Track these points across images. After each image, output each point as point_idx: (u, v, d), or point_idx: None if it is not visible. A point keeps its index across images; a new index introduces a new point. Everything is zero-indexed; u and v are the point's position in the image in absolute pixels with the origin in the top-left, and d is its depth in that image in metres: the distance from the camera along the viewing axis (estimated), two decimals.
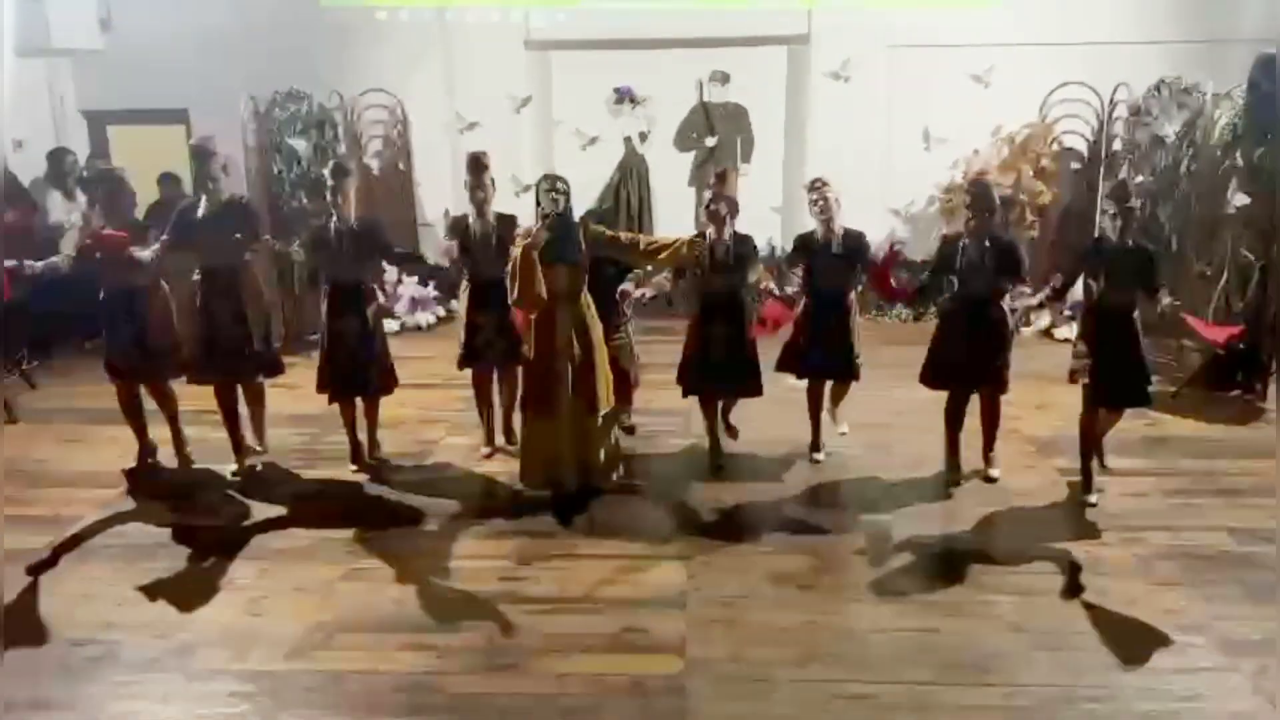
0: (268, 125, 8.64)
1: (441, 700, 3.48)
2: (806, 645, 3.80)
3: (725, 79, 9.34)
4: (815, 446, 5.62)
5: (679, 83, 9.37)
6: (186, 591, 4.25)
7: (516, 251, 4.74)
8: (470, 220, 5.37)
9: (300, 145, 8.67)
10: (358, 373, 5.35)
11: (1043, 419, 6.02)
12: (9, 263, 5.23)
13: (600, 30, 9.14)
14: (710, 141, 9.43)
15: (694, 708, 3.43)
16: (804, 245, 5.36)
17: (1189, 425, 6.15)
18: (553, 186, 4.87)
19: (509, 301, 4.89)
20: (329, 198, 5.30)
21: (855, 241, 5.30)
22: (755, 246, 5.34)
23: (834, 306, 5.32)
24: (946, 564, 4.44)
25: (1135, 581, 4.26)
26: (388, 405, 5.72)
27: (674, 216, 9.52)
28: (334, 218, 5.29)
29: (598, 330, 5.04)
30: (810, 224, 5.40)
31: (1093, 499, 5.01)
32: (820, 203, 5.24)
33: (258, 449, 5.65)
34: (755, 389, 5.34)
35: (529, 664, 3.69)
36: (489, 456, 5.69)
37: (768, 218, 9.56)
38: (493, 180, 5.37)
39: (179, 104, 9.12)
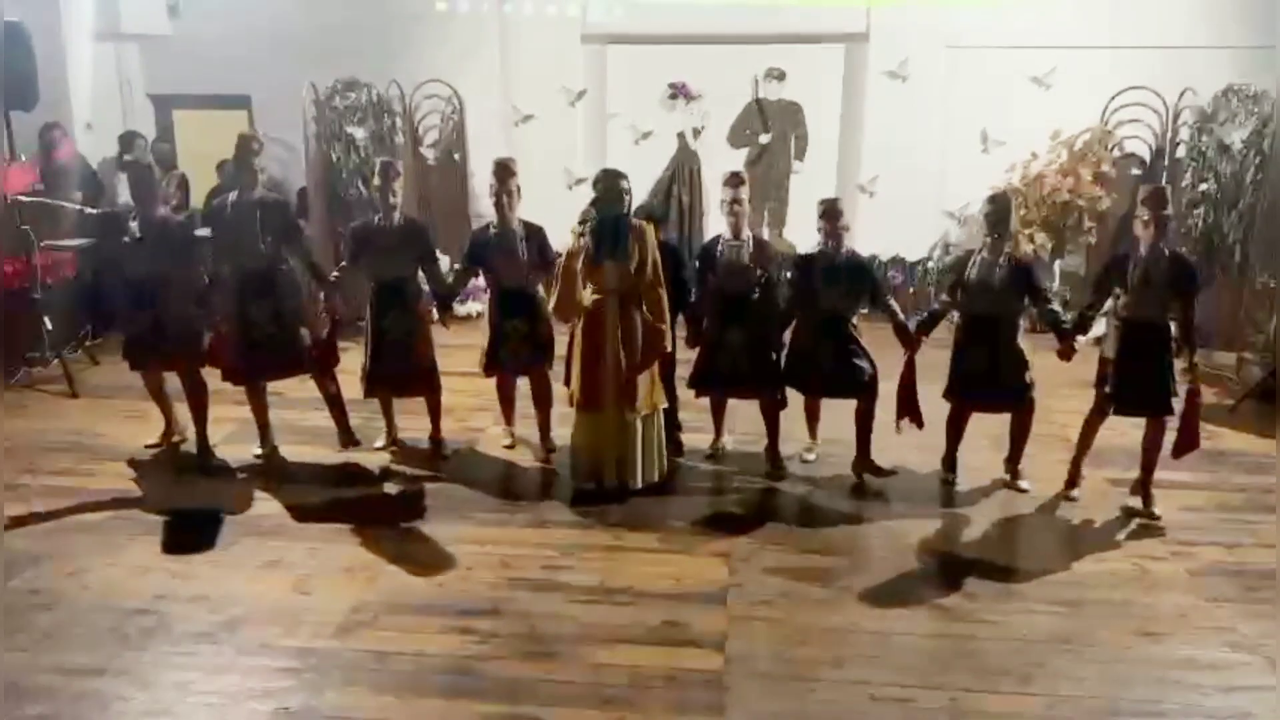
0: (328, 114, 8.78)
1: (482, 683, 3.54)
2: (847, 647, 3.79)
3: (781, 76, 9.29)
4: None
5: (734, 79, 9.34)
6: (239, 568, 4.36)
7: (564, 254, 4.78)
8: (492, 229, 5.37)
9: (359, 134, 8.81)
10: (399, 373, 5.41)
11: None
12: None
13: (657, 25, 9.16)
14: (764, 139, 9.40)
15: (733, 703, 3.44)
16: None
17: (1246, 440, 6.02)
18: (613, 184, 4.81)
19: (549, 308, 4.95)
20: (377, 195, 5.36)
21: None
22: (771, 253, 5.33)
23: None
24: (990, 572, 4.40)
25: (1186, 596, 4.19)
26: None
27: None
28: (379, 215, 5.36)
29: (650, 323, 4.91)
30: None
31: (1075, 494, 5.11)
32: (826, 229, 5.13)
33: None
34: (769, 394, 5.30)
35: (569, 652, 3.73)
36: (510, 447, 5.73)
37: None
38: (518, 188, 5.34)
39: (242, 90, 9.32)
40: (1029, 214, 8.68)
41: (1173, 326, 4.81)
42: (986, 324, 4.97)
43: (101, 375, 7.16)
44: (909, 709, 3.43)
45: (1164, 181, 8.56)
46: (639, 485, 5.05)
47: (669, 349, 5.04)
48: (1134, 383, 4.77)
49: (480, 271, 5.56)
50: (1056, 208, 8.56)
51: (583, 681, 3.56)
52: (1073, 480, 5.14)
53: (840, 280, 5.09)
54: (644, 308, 4.88)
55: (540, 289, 5.46)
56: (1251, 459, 5.71)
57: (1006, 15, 8.69)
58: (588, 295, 4.85)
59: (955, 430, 5.26)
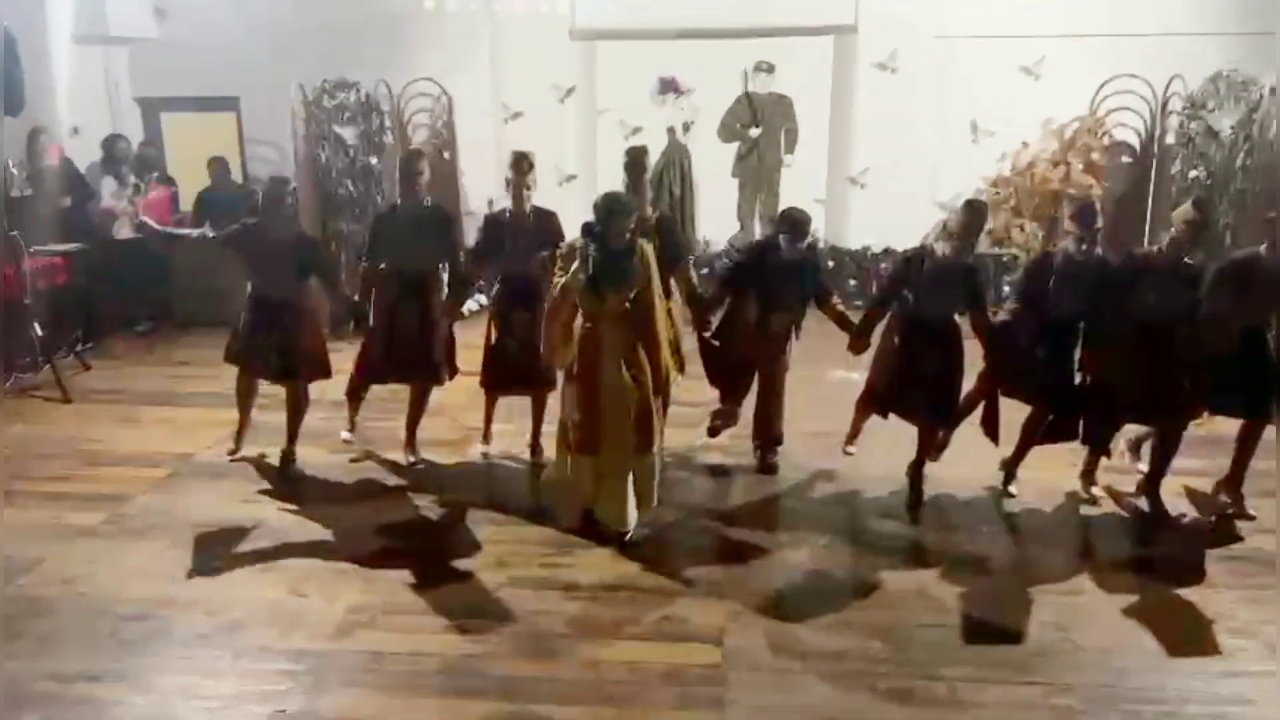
0: (316, 114, 8.76)
1: (482, 682, 3.53)
2: (846, 639, 3.79)
3: (771, 69, 9.28)
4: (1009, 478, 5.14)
5: (724, 73, 9.33)
6: (236, 571, 4.34)
7: (554, 290, 4.30)
8: (507, 215, 5.29)
9: (348, 134, 8.78)
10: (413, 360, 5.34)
11: None
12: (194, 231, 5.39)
13: (645, 20, 9.14)
14: (754, 132, 9.38)
15: (732, 697, 3.44)
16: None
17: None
18: (613, 210, 4.26)
19: (541, 352, 4.56)
20: (400, 185, 5.29)
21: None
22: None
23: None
24: (987, 562, 4.41)
25: (1185, 584, 4.20)
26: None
27: (716, 207, 9.51)
28: (398, 204, 5.32)
29: (654, 352, 4.46)
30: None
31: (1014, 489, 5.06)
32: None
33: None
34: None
35: (569, 649, 3.72)
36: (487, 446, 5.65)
37: (811, 209, 9.49)
38: (535, 180, 5.27)
39: (230, 92, 9.28)
40: (1020, 204, 8.69)
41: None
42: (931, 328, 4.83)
43: (93, 380, 7.13)
44: (910, 699, 3.43)
45: (1154, 168, 8.62)
46: (636, 531, 4.58)
47: (673, 380, 4.65)
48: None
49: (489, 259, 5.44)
50: (1047, 197, 8.57)
51: (582, 679, 3.55)
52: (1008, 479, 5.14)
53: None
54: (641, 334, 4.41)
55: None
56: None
57: (995, 5, 8.69)
58: (578, 325, 4.37)
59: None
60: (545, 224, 5.26)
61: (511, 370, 5.28)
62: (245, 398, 5.52)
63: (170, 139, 9.66)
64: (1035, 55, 8.79)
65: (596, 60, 9.57)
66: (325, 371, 5.38)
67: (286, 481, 5.30)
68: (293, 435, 5.43)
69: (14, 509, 4.88)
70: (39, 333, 6.78)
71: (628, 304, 4.31)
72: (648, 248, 4.43)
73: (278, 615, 3.97)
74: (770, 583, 4.21)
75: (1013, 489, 5.07)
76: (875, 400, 5.07)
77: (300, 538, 4.64)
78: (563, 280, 4.29)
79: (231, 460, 5.51)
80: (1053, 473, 5.15)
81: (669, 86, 9.43)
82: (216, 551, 4.52)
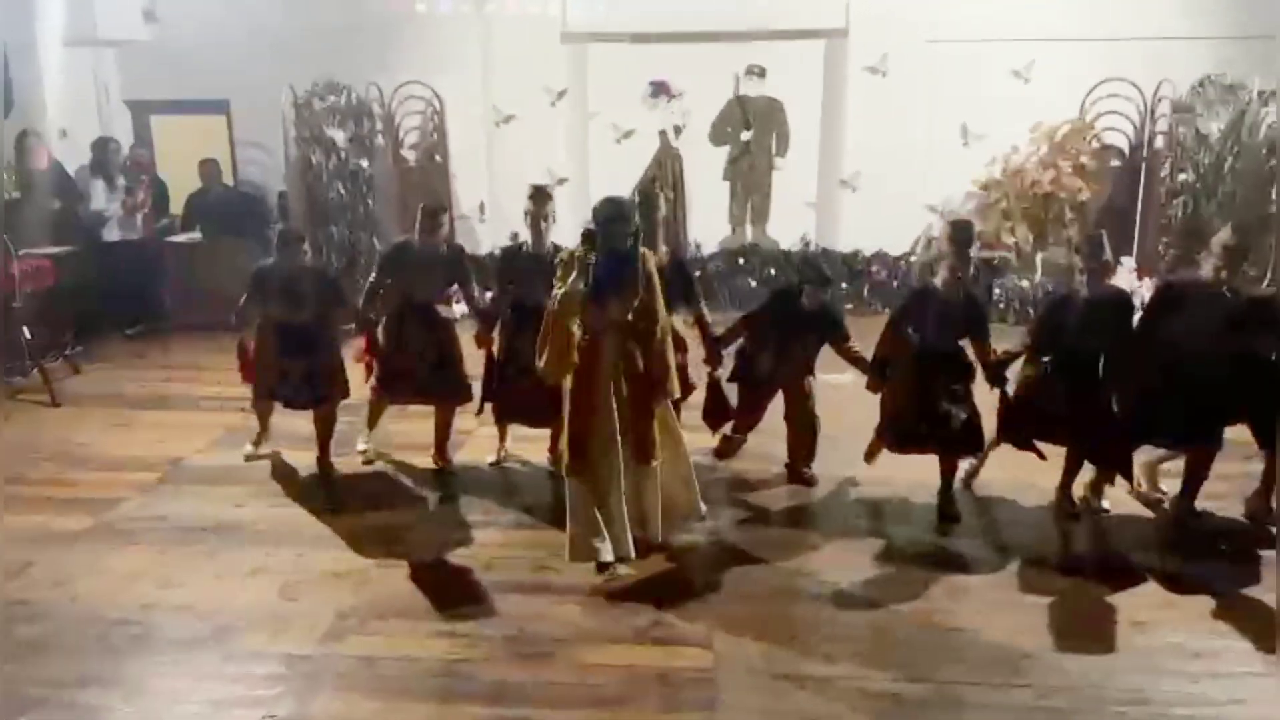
0: (307, 116, 8.74)
1: (473, 687, 3.52)
2: (836, 642, 3.79)
3: (762, 73, 9.30)
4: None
5: (715, 76, 9.35)
6: (225, 575, 4.32)
7: (553, 302, 4.04)
8: (525, 249, 5.25)
9: (339, 136, 8.77)
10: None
11: None
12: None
13: (637, 23, 9.15)
14: (745, 136, 9.40)
15: (723, 701, 3.44)
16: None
17: (1232, 427, 6.03)
18: (613, 215, 4.03)
19: (537, 366, 4.13)
20: (418, 233, 5.31)
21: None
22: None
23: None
24: (977, 565, 4.42)
25: (1173, 585, 4.21)
26: None
27: (708, 211, 9.53)
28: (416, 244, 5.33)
29: (658, 362, 4.21)
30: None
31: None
32: None
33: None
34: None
35: (559, 653, 3.72)
36: (495, 463, 5.61)
37: (802, 213, 9.55)
38: (553, 212, 5.19)
39: (220, 95, 9.26)
40: (1010, 207, 8.73)
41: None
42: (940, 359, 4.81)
43: (82, 384, 7.10)
44: (900, 703, 3.43)
45: (1143, 172, 8.66)
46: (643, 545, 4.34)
47: (674, 391, 4.35)
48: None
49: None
50: (1038, 200, 8.61)
51: (573, 683, 3.54)
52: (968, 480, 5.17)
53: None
54: (643, 345, 4.17)
55: None
56: (1237, 446, 5.72)
57: (985, 9, 8.73)
58: (577, 335, 4.05)
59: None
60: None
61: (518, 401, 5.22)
62: (266, 416, 5.58)
63: (160, 142, 9.63)
64: (1025, 59, 8.83)
65: (588, 63, 9.58)
66: (348, 391, 5.47)
67: (328, 489, 5.28)
68: (324, 446, 5.46)
69: (4, 513, 4.85)
70: (27, 336, 6.75)
71: (630, 315, 4.08)
72: (650, 255, 4.21)
73: (268, 619, 3.95)
74: (761, 587, 4.21)
75: (1106, 503, 4.99)
76: (894, 435, 4.97)
77: (291, 542, 4.63)
78: (562, 290, 4.01)
79: (247, 460, 5.55)
80: (1043, 476, 5.17)
81: (660, 90, 9.44)
82: (206, 556, 4.51)
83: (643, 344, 4.16)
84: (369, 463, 5.57)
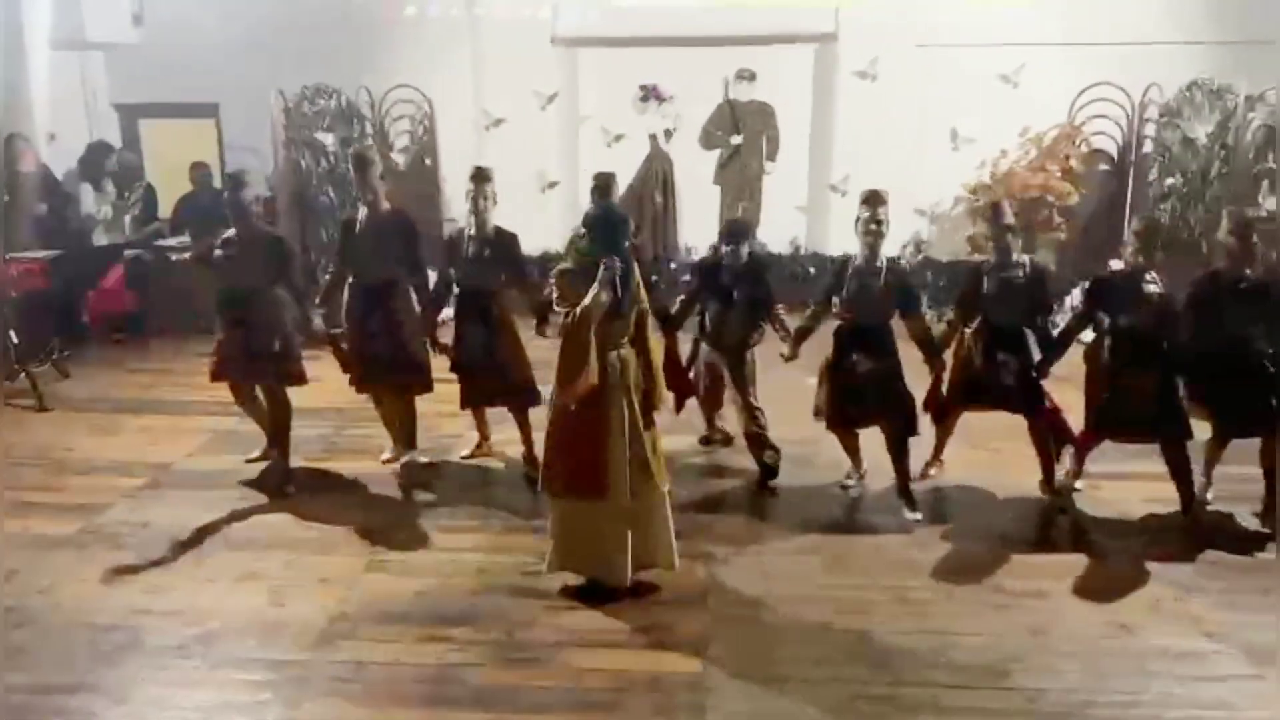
0: (296, 120, 8.72)
1: (462, 692, 3.51)
2: (826, 646, 3.80)
3: (752, 77, 9.31)
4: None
5: (705, 80, 9.35)
6: (214, 581, 4.30)
7: (568, 318, 3.86)
8: (468, 232, 5.28)
9: (328, 140, 8.75)
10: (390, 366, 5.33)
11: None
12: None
13: (627, 27, 9.17)
14: (736, 140, 9.41)
15: (714, 705, 3.44)
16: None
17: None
18: (616, 220, 3.97)
19: (556, 382, 3.92)
20: (354, 189, 5.32)
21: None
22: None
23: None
24: (965, 567, 4.43)
25: (1160, 587, 4.23)
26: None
27: (698, 215, 9.53)
28: (361, 209, 5.30)
29: (650, 379, 4.06)
30: None
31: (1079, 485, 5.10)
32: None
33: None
34: None
35: (550, 658, 3.71)
36: (472, 456, 5.67)
37: (792, 218, 9.56)
38: (494, 193, 5.25)
39: (210, 98, 9.23)
40: None
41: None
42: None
43: (70, 388, 7.06)
44: (891, 706, 3.44)
45: (1131, 177, 8.70)
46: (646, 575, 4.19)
47: (662, 404, 4.23)
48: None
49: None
50: (1027, 204, 8.63)
51: (563, 687, 3.54)
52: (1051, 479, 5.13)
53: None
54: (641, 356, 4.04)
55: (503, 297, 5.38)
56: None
57: (974, 14, 8.76)
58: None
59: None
60: (506, 244, 5.28)
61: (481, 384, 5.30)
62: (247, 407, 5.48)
63: (149, 145, 9.60)
64: (1014, 64, 8.86)
65: (578, 67, 9.59)
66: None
67: (277, 490, 5.24)
68: (271, 438, 5.39)
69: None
70: (14, 340, 6.71)
71: (625, 329, 3.97)
72: (634, 263, 4.08)
73: (257, 625, 3.93)
74: (752, 591, 4.20)
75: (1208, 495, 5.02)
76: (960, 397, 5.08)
77: (279, 547, 4.61)
78: (586, 302, 3.79)
79: (247, 463, 5.55)
80: (1033, 476, 5.19)
81: (651, 94, 9.44)
82: (194, 561, 4.49)
83: (641, 355, 4.06)
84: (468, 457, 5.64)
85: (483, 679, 3.58)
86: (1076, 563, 4.46)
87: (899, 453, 4.98)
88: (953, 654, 3.73)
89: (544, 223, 8.74)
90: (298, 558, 4.50)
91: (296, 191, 8.75)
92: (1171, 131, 8.32)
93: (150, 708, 3.44)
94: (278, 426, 5.34)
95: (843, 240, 9.21)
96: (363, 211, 5.30)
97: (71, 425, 6.32)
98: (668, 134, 9.49)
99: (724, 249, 5.23)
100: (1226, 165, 8.04)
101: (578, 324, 3.78)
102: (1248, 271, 4.65)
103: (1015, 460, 5.28)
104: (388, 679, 3.59)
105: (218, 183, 9.22)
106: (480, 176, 5.23)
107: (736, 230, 5.34)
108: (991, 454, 5.51)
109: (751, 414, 5.23)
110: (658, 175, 9.47)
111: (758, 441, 5.26)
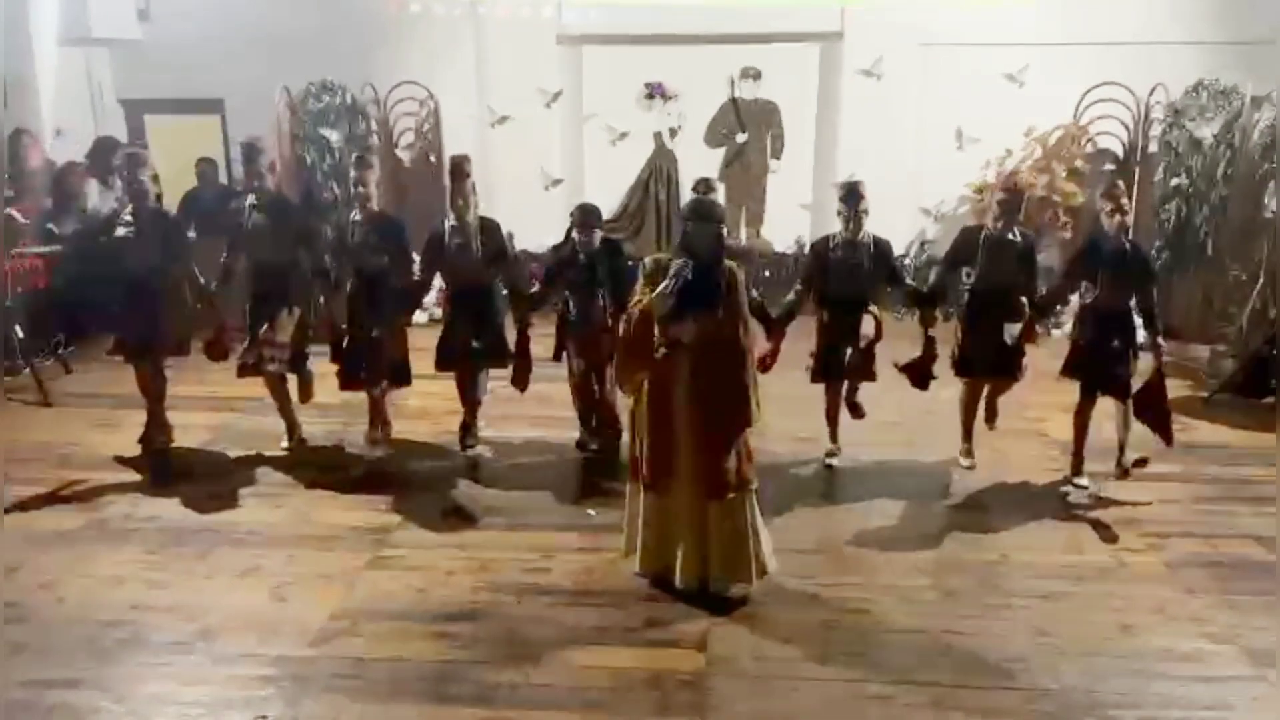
0: (302, 116, 8.72)
1: (463, 689, 3.51)
2: (828, 645, 3.79)
3: (757, 75, 9.31)
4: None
5: (710, 79, 9.36)
6: (215, 577, 4.31)
7: (634, 307, 3.86)
8: (448, 228, 5.34)
9: (333, 136, 8.76)
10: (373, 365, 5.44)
11: (1067, 421, 5.88)
12: None
13: (632, 25, 9.15)
14: (740, 138, 9.41)
15: (715, 704, 3.44)
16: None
17: (1220, 432, 6.07)
18: (707, 224, 3.86)
19: (614, 376, 4.12)
20: (351, 188, 5.39)
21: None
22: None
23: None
24: (967, 566, 4.42)
25: (1162, 588, 4.22)
26: (410, 394, 5.84)
27: None
28: (354, 209, 5.38)
29: (735, 388, 3.90)
30: None
31: (1083, 482, 5.13)
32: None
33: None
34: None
35: (550, 656, 3.71)
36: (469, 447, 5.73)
37: (797, 215, 9.55)
38: (474, 186, 5.35)
39: (215, 94, 9.23)
40: None
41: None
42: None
43: (74, 384, 7.08)
44: (891, 705, 3.43)
45: (1136, 177, 8.67)
46: (721, 590, 4.08)
47: (754, 420, 3.99)
48: (1102, 366, 4.94)
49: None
50: (1032, 204, 8.61)
51: (564, 685, 3.54)
52: (1077, 469, 5.20)
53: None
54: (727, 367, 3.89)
55: (499, 286, 5.57)
56: (1225, 451, 5.76)
57: (980, 13, 8.73)
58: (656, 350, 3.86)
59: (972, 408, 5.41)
60: (489, 232, 5.40)
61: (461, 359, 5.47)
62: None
63: (154, 141, 9.56)
64: (1019, 63, 8.83)
65: (582, 65, 9.58)
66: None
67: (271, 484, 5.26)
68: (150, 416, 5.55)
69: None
70: (19, 335, 6.72)
71: (712, 331, 3.83)
72: (737, 270, 3.93)
73: (258, 621, 3.94)
74: (753, 589, 4.19)
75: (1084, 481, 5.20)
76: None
77: (280, 543, 4.62)
78: (643, 300, 3.82)
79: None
80: (1035, 475, 5.18)
81: (655, 91, 9.44)
82: (195, 557, 4.49)
83: (718, 368, 3.87)
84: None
85: (483, 676, 3.58)
86: (1078, 562, 4.46)
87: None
88: (955, 653, 3.73)
89: (548, 220, 8.73)
90: (299, 554, 4.51)
91: (302, 188, 8.73)
92: (1177, 131, 8.29)
93: (151, 704, 3.45)
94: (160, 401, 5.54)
95: None
96: (354, 212, 5.39)
97: (75, 420, 6.33)
98: (672, 132, 9.50)
99: (578, 237, 5.28)
100: (1232, 165, 8.01)
101: (633, 319, 3.86)
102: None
103: (1022, 458, 5.30)
104: (389, 676, 3.59)
105: (223, 178, 9.25)
106: (459, 171, 5.34)
107: (589, 217, 5.33)
108: (992, 453, 5.49)
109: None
110: (662, 173, 9.46)
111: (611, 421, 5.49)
